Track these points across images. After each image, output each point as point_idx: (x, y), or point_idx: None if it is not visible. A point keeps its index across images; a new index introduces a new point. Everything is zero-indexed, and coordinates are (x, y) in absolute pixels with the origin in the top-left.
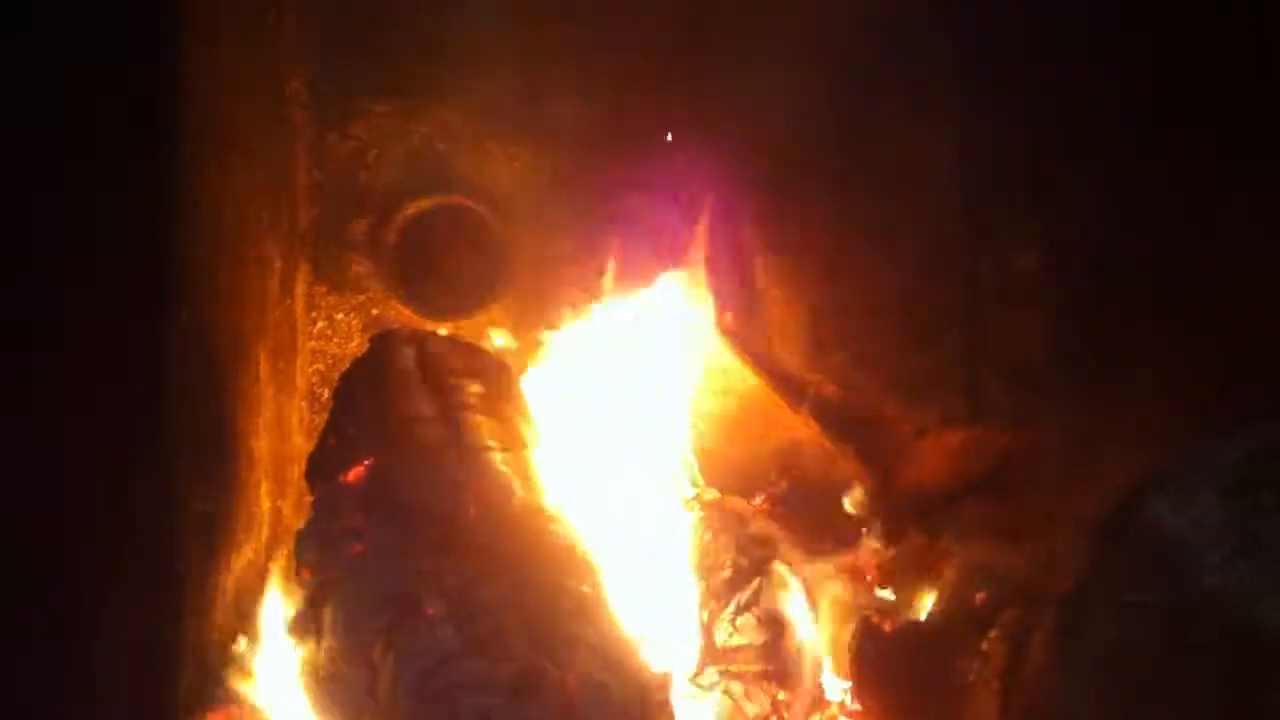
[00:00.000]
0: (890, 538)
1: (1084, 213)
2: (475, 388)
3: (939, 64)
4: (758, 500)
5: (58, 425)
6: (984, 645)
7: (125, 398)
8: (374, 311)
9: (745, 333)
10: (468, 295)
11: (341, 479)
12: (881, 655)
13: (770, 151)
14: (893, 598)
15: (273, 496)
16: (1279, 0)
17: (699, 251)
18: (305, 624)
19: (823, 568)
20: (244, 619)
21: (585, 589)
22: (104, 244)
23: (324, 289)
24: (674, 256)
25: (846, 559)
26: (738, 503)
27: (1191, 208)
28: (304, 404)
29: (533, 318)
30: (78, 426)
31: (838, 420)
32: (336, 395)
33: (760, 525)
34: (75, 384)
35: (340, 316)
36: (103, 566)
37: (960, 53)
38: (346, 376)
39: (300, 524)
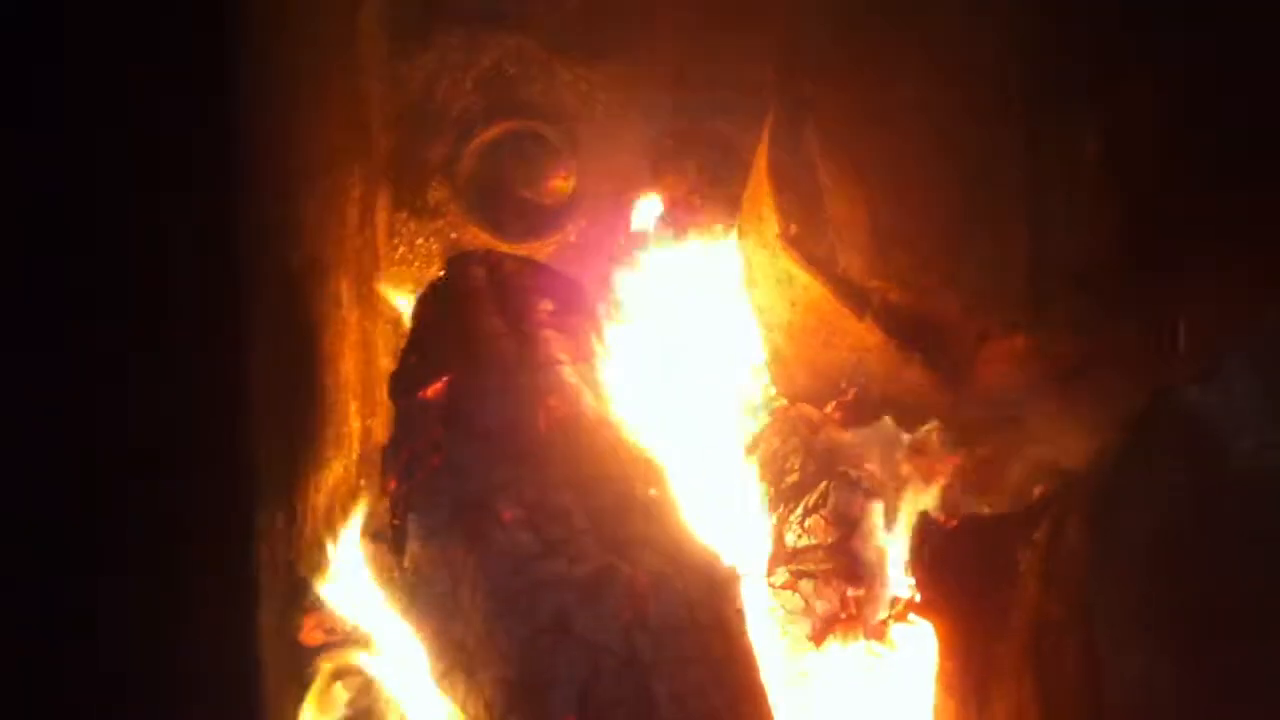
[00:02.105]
0: (958, 443)
1: (1149, 106)
2: (546, 304)
3: None
4: (828, 408)
5: (138, 342)
6: (1036, 535)
7: (202, 318)
8: (452, 236)
9: (809, 243)
10: (541, 219)
11: (421, 395)
12: (941, 548)
13: (830, 58)
14: (960, 497)
15: (362, 416)
16: None
17: (762, 165)
18: (392, 534)
19: (893, 471)
20: (335, 532)
21: (654, 493)
22: (177, 171)
23: (403, 215)
24: (743, 171)
25: (915, 462)
26: (808, 410)
27: (1257, 100)
28: (388, 328)
29: (606, 238)
30: (154, 343)
31: (902, 326)
32: (414, 316)
33: (831, 432)
34: (150, 301)
35: (420, 242)
36: (187, 486)
37: None
38: (422, 298)
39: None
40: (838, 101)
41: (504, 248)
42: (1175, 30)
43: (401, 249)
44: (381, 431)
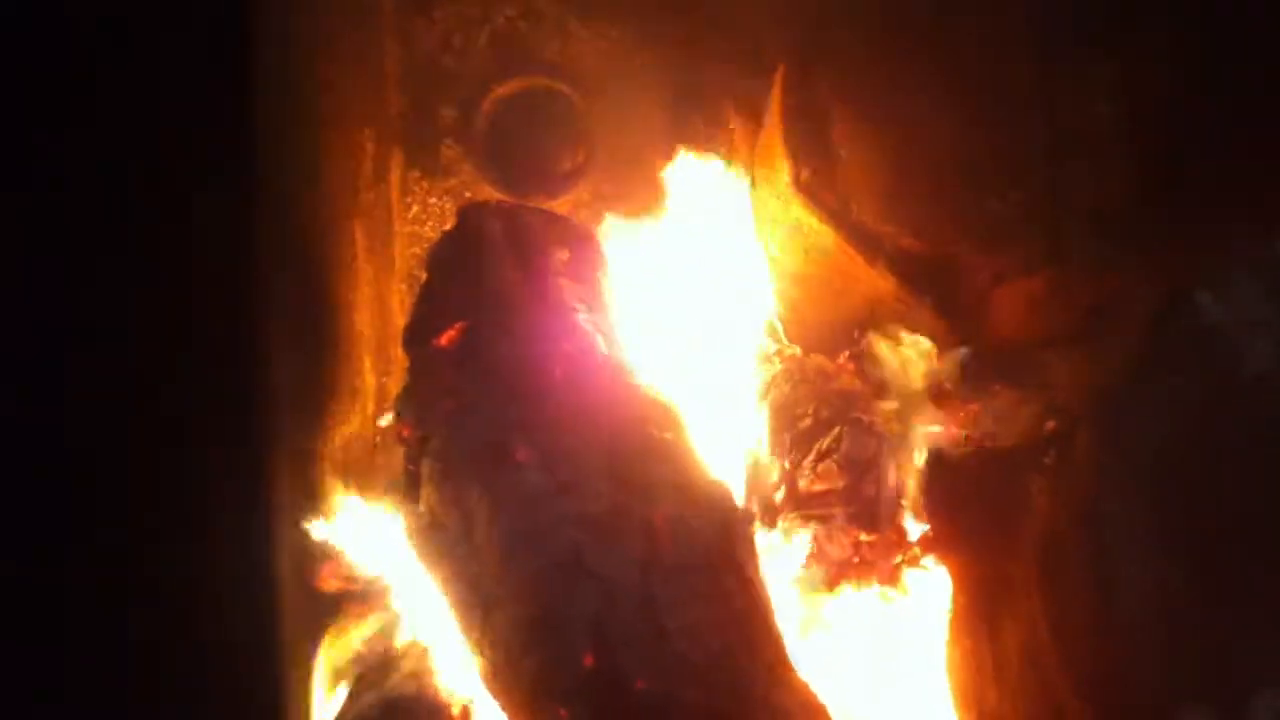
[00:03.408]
0: (970, 387)
1: (1164, 55)
2: (561, 254)
3: None
4: (842, 358)
5: (160, 287)
6: (1046, 460)
7: (222, 261)
8: (466, 194)
9: (822, 190)
10: (556, 176)
11: (435, 343)
12: (951, 479)
13: (845, 6)
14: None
15: (377, 372)
16: None
17: (775, 111)
18: (407, 480)
19: (906, 417)
20: (351, 482)
21: (668, 435)
22: (197, 118)
23: (417, 174)
24: (756, 120)
25: (928, 408)
26: (821, 359)
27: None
28: (403, 286)
29: (620, 195)
30: (176, 287)
31: (915, 272)
32: (428, 265)
33: (844, 381)
34: (161, 250)
35: (434, 200)
36: (200, 435)
37: None
38: (435, 248)
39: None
40: (851, 47)
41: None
42: None
43: (415, 208)
44: (396, 389)
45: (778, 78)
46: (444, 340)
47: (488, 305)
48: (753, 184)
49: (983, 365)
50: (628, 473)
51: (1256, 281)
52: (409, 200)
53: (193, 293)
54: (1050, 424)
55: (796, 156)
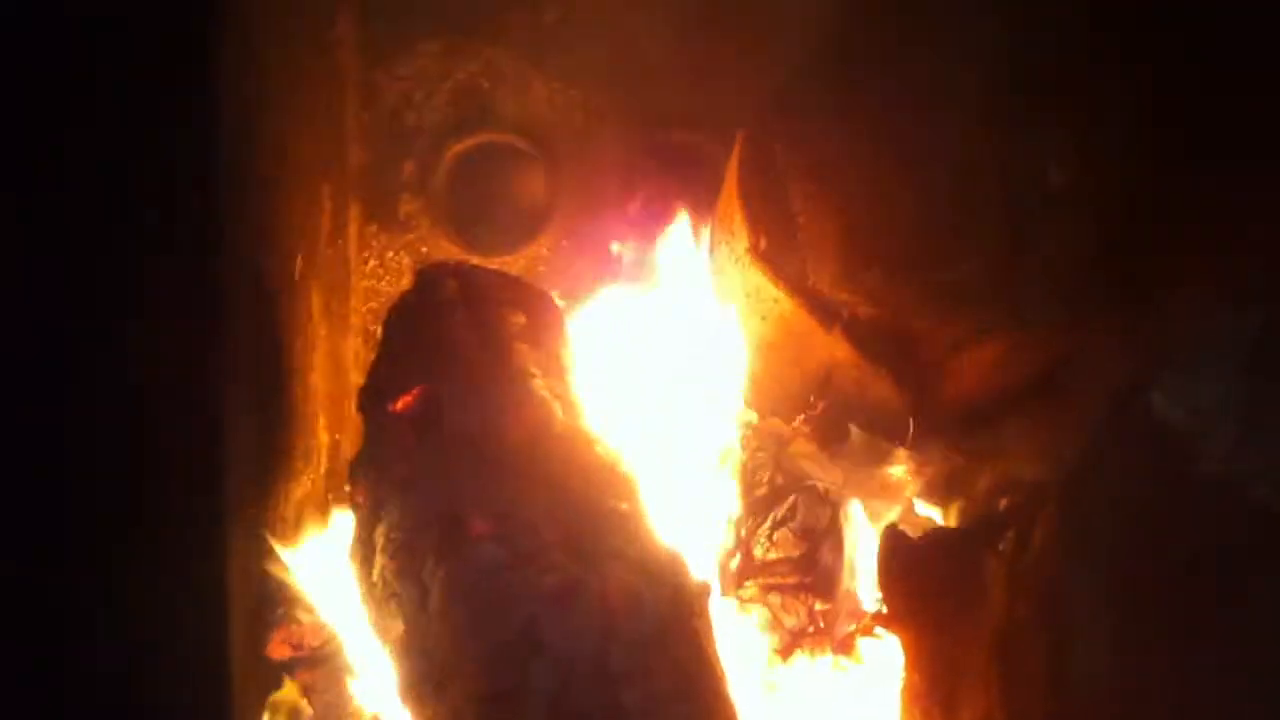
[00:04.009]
0: (928, 457)
1: (1116, 121)
2: (519, 317)
3: None
4: (797, 422)
5: (109, 354)
6: (1001, 545)
7: (176, 330)
8: (423, 249)
9: (780, 258)
10: (514, 231)
11: (391, 407)
12: (906, 560)
13: (801, 70)
14: (927, 510)
15: (331, 430)
16: None
17: (732, 178)
18: (361, 546)
19: (860, 484)
20: (304, 546)
21: (624, 506)
22: (151, 178)
23: (374, 228)
24: (715, 183)
25: (884, 475)
26: (777, 425)
27: (1227, 108)
28: (358, 341)
29: (578, 251)
30: (128, 353)
31: (870, 340)
32: (384, 327)
33: (799, 446)
34: (124, 310)
35: (391, 255)
36: (156, 497)
37: None
38: (393, 309)
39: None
40: (807, 117)
41: (476, 261)
42: (1145, 42)
43: (372, 262)
44: (350, 446)
45: (735, 145)
46: (400, 405)
47: (444, 371)
48: (711, 247)
49: (937, 431)
50: (584, 545)
51: (1209, 381)
52: (366, 255)
53: (147, 355)
54: (1004, 501)
55: (754, 224)
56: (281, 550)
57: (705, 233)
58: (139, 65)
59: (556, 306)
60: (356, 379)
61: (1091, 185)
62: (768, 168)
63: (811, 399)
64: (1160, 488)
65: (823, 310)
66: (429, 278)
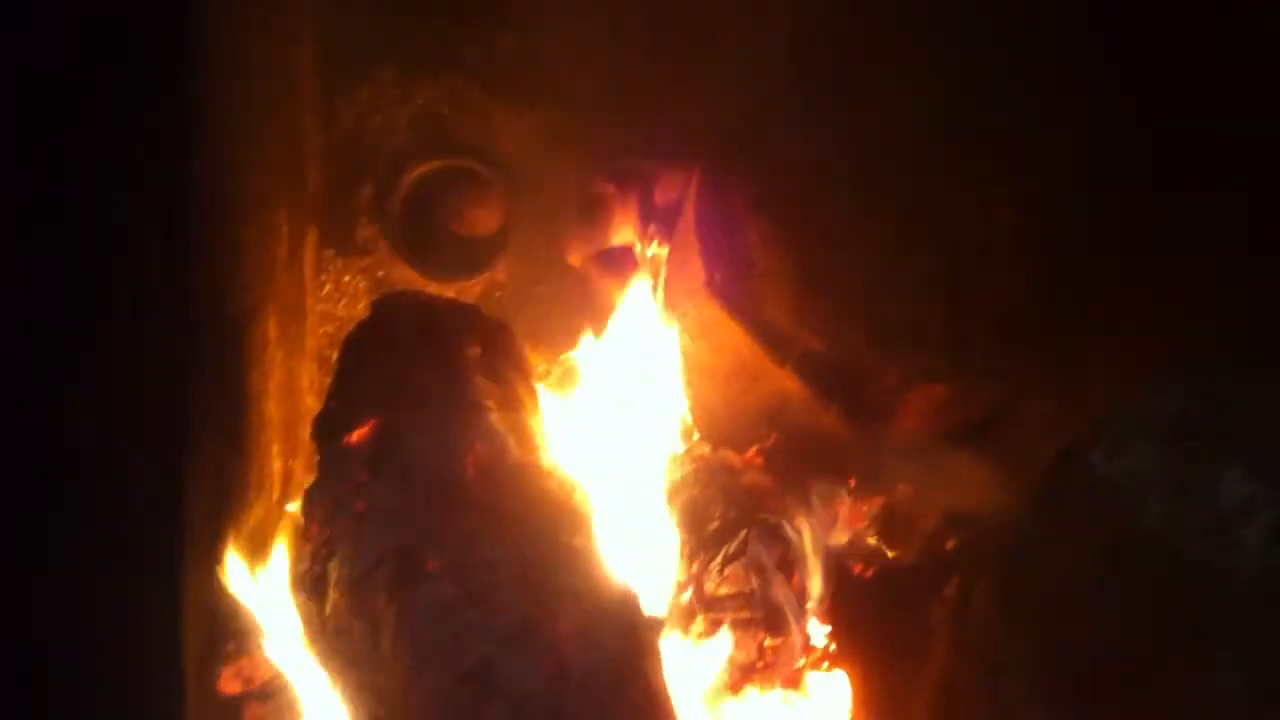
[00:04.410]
0: (875, 488)
1: (1060, 172)
2: (474, 349)
3: (919, 19)
4: (749, 453)
5: (67, 384)
6: (947, 590)
7: (139, 359)
8: (380, 274)
9: (734, 291)
10: (471, 256)
11: (346, 439)
12: (855, 600)
13: (756, 107)
14: (875, 544)
15: (284, 457)
16: None
17: (689, 212)
18: (313, 580)
19: (810, 516)
20: (256, 577)
21: (578, 542)
22: (118, 208)
23: (331, 252)
24: (673, 214)
25: (834, 508)
26: (729, 455)
27: (1165, 163)
28: (313, 365)
29: (536, 277)
30: (89, 384)
31: (822, 374)
32: (340, 357)
33: (751, 477)
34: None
35: (347, 279)
36: (109, 525)
37: (941, 7)
38: (349, 339)
39: (310, 482)
40: (762, 156)
41: (433, 286)
42: (1087, 94)
43: (328, 286)
44: (303, 472)
45: (693, 180)
46: (355, 437)
47: (400, 402)
48: (667, 280)
49: (887, 464)
50: (537, 582)
51: (1149, 440)
52: (323, 279)
53: (104, 385)
54: (951, 543)
55: (710, 258)
56: (234, 583)
57: (661, 264)
58: (101, 93)
59: (513, 337)
60: (311, 404)
61: (1035, 233)
62: (724, 203)
63: (764, 429)
64: (1101, 548)
65: (776, 345)
66: (386, 307)
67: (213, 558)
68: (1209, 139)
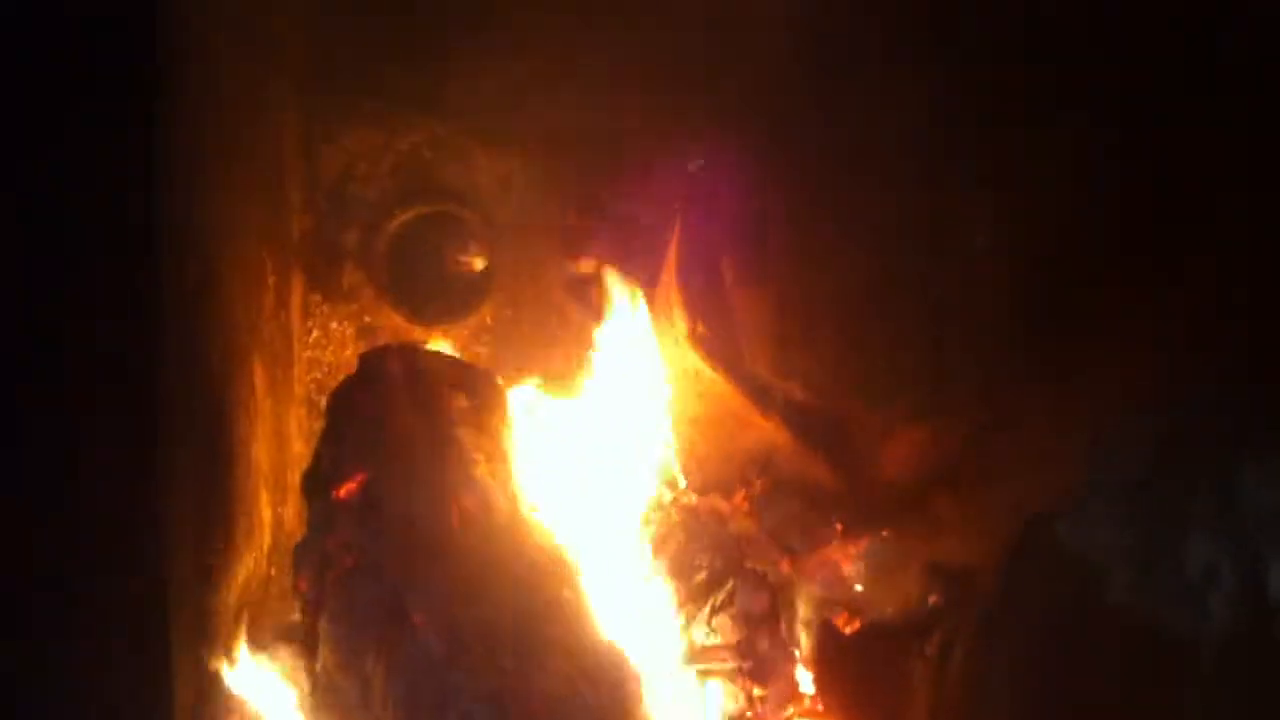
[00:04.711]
0: (860, 534)
1: (1040, 206)
2: (461, 401)
3: (894, 54)
4: (737, 498)
5: (55, 439)
6: (927, 649)
7: (122, 413)
8: (366, 319)
9: (716, 342)
10: (457, 300)
11: (335, 494)
12: (839, 656)
13: (736, 156)
14: (861, 590)
15: (273, 504)
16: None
17: (671, 263)
18: (303, 636)
19: (797, 564)
20: (246, 626)
21: (565, 594)
22: (100, 261)
23: (318, 298)
24: (655, 256)
25: (821, 555)
26: (717, 502)
27: (1144, 195)
28: (302, 411)
29: (521, 320)
30: (74, 440)
31: (805, 422)
32: (329, 412)
33: (739, 524)
34: (72, 395)
35: (334, 325)
36: (95, 580)
37: (915, 39)
38: (337, 393)
39: (300, 529)
40: (738, 208)
41: (419, 330)
42: (1067, 125)
43: (315, 332)
44: (293, 518)
45: (674, 232)
46: (344, 492)
47: (388, 457)
48: (653, 329)
49: (872, 509)
50: (523, 637)
51: (1113, 510)
52: (310, 324)
53: (96, 451)
54: (933, 598)
55: (692, 309)
56: (224, 643)
57: (645, 311)
58: (85, 139)
59: (499, 388)
60: (300, 449)
61: (1013, 282)
62: (704, 256)
63: (750, 475)
64: (1070, 615)
65: (759, 394)
66: (372, 361)
67: (203, 611)
68: (1192, 172)
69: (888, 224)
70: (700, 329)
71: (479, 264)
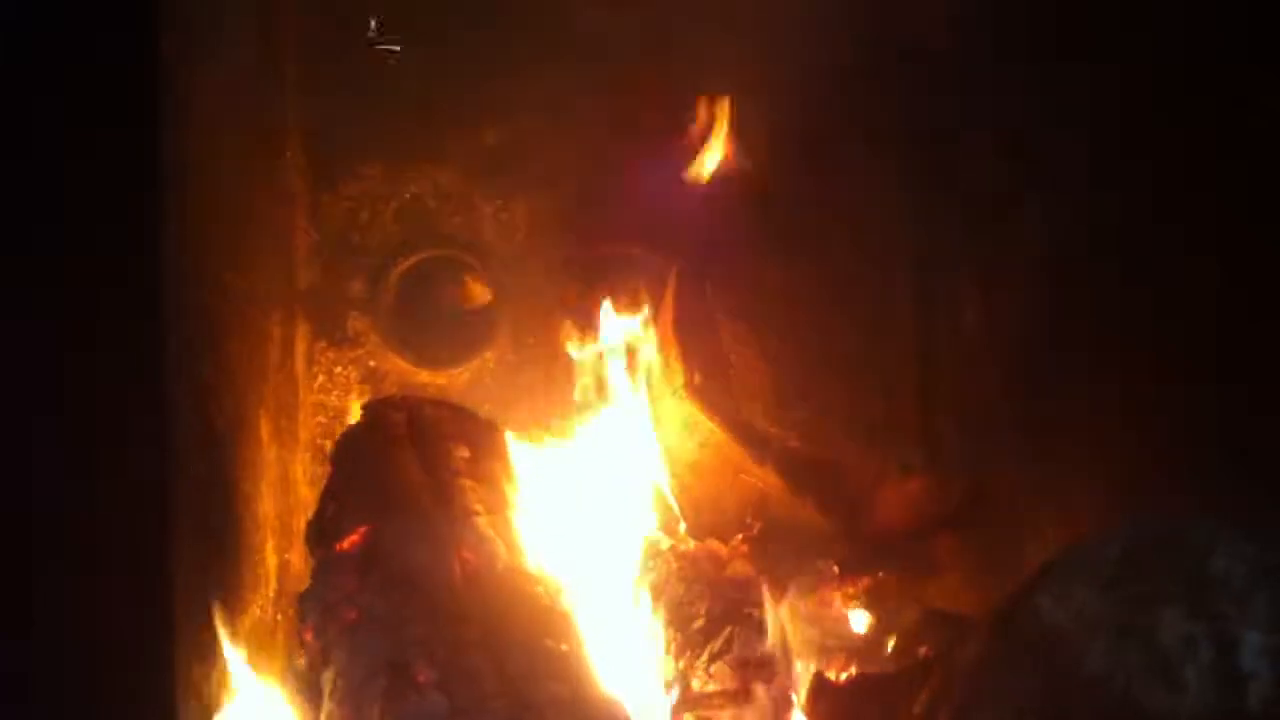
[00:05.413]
0: (858, 576)
1: (1022, 281)
2: (463, 451)
3: (884, 130)
4: (734, 542)
5: (56, 499)
6: (916, 709)
7: (125, 471)
8: (371, 364)
9: (712, 392)
10: (461, 345)
11: (338, 546)
12: (832, 707)
13: (729, 218)
14: (861, 632)
15: (279, 551)
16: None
17: (667, 314)
18: (308, 687)
19: (795, 607)
20: (254, 673)
21: (565, 648)
22: (105, 315)
23: (323, 345)
24: (655, 301)
25: (818, 597)
26: (715, 545)
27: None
28: (307, 456)
29: (523, 364)
30: (77, 501)
31: (800, 472)
32: (332, 462)
33: (737, 566)
34: (75, 453)
35: (339, 370)
36: (101, 640)
37: (903, 121)
38: (340, 444)
39: (306, 574)
40: (736, 257)
41: (423, 375)
42: (1045, 202)
43: (320, 378)
44: (299, 563)
45: (670, 282)
46: (347, 544)
47: (390, 509)
48: (648, 380)
49: (869, 552)
50: (523, 693)
51: (1091, 584)
52: (315, 371)
53: (101, 499)
54: (924, 650)
55: (688, 360)
56: (235, 683)
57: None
58: (88, 199)
59: (501, 438)
60: (305, 493)
61: (1001, 335)
62: (700, 306)
63: (748, 520)
64: (1050, 687)
65: (755, 443)
66: (376, 413)
67: (211, 662)
68: (1178, 236)
69: (877, 297)
70: (697, 379)
71: (482, 308)
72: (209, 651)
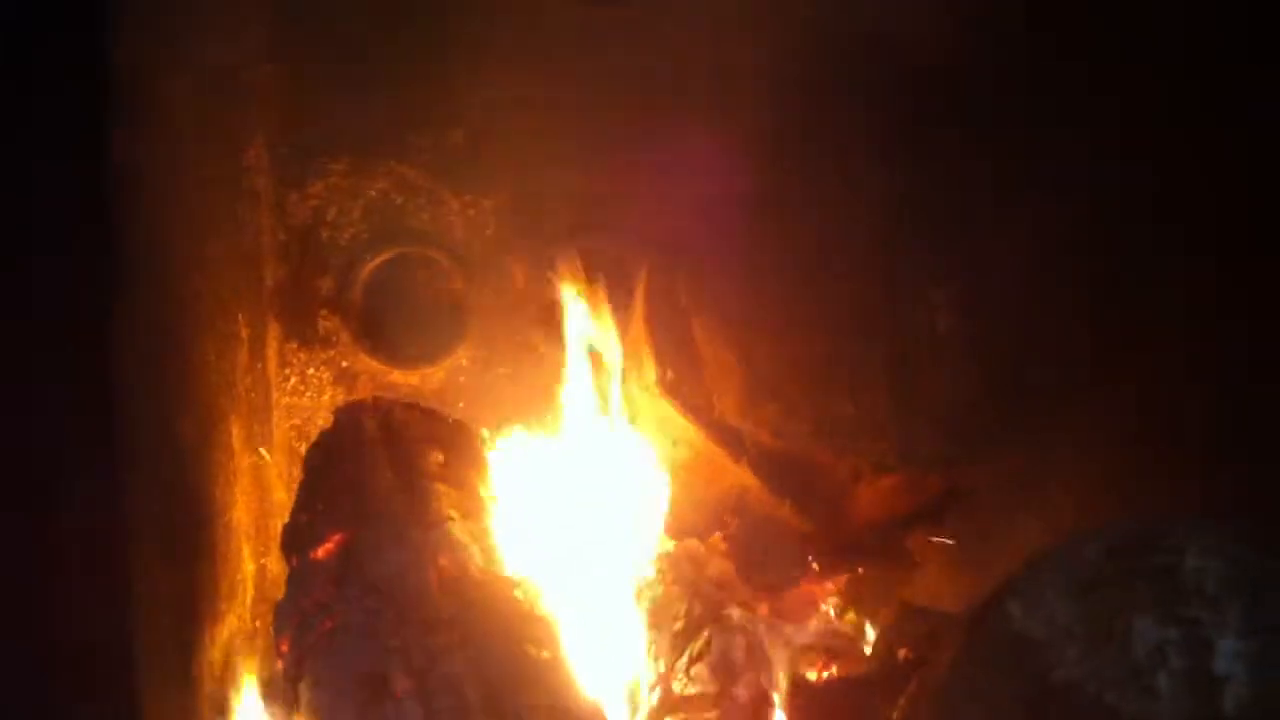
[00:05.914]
0: (837, 570)
1: (1000, 278)
2: (437, 455)
3: (860, 129)
4: (712, 540)
5: (18, 531)
6: (894, 714)
7: (89, 486)
8: (343, 364)
9: (686, 390)
10: (433, 343)
11: (313, 555)
12: (810, 709)
13: (700, 214)
14: (841, 631)
15: (255, 557)
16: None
17: (639, 309)
18: (284, 698)
19: (775, 604)
20: (233, 681)
21: (544, 654)
22: (60, 332)
23: (294, 346)
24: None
25: (798, 593)
26: (694, 545)
27: (1104, 270)
28: (282, 458)
29: (495, 361)
30: (41, 511)
31: (775, 469)
32: (305, 469)
33: (717, 565)
34: (39, 464)
35: (311, 371)
36: (68, 657)
37: (881, 119)
38: (312, 452)
39: (283, 578)
40: (708, 256)
41: (395, 374)
42: (1028, 200)
43: (293, 379)
44: (276, 567)
45: (641, 279)
46: (321, 553)
47: (364, 516)
48: (622, 376)
49: (846, 547)
50: (503, 701)
51: (1063, 592)
52: (287, 371)
53: (62, 515)
54: (903, 652)
55: (661, 357)
56: (212, 693)
57: (616, 358)
58: (45, 201)
59: (475, 440)
60: (281, 496)
61: (975, 332)
62: (673, 302)
63: (725, 517)
64: (1021, 694)
65: (729, 440)
66: (348, 418)
67: (187, 674)
68: (1150, 248)
69: (850, 295)
70: (670, 376)
71: (454, 306)
72: (175, 662)
